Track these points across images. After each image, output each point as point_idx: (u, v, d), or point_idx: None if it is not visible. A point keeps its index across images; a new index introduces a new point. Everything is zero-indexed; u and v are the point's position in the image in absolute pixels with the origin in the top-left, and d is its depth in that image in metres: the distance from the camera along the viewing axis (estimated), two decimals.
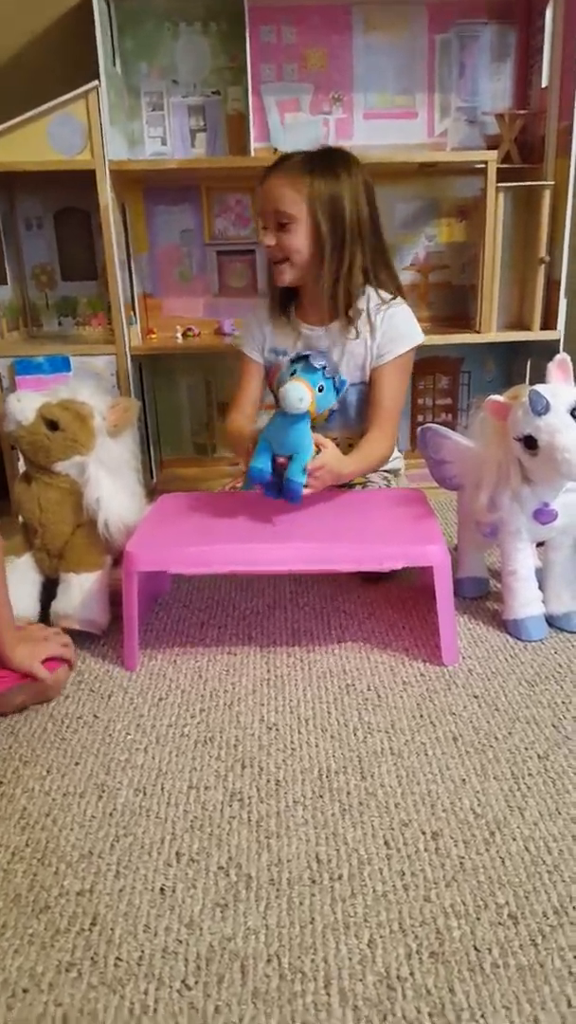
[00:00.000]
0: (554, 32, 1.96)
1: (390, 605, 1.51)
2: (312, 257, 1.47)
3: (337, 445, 1.43)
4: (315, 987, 0.74)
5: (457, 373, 2.36)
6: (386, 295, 1.55)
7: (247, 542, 1.28)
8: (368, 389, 1.59)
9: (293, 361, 1.31)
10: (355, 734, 1.11)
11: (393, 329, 1.54)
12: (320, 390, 1.27)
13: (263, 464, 1.32)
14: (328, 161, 1.46)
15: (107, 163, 1.85)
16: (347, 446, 1.53)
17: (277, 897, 0.84)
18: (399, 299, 1.57)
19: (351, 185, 1.45)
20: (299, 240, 1.45)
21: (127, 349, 1.99)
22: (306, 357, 1.27)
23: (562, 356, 1.27)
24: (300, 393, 1.24)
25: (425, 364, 2.31)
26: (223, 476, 2.26)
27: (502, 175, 1.96)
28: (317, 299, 1.54)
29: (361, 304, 1.53)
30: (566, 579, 1.38)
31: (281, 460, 1.32)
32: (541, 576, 1.39)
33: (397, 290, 1.58)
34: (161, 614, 1.50)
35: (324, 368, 1.27)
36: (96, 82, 1.79)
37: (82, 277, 2.21)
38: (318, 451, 1.33)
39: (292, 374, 1.28)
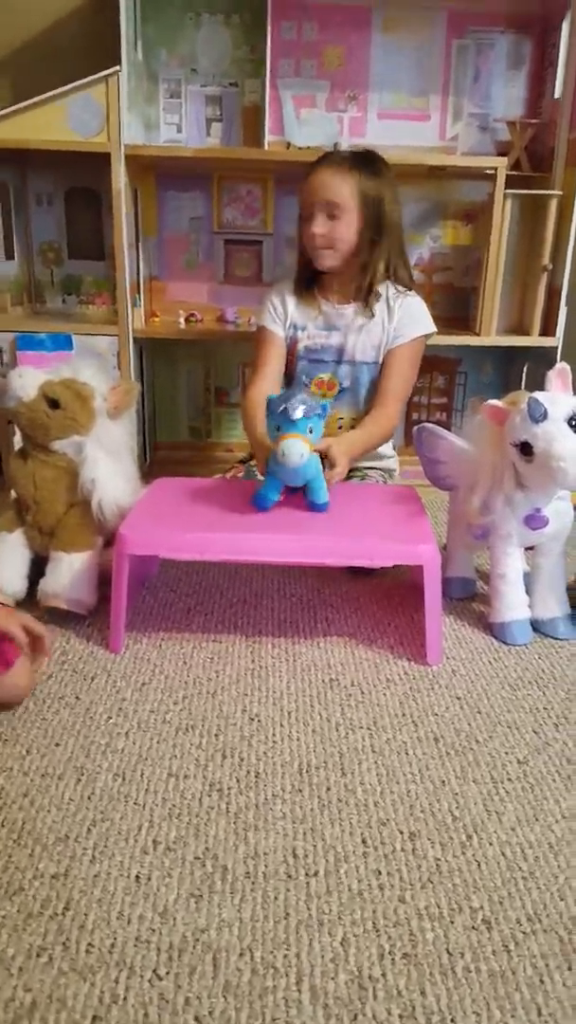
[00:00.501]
0: (569, 45, 1.96)
1: (377, 601, 1.51)
2: (352, 245, 1.58)
3: (343, 425, 1.62)
4: (287, 983, 0.74)
5: (454, 373, 2.37)
6: (402, 288, 1.65)
7: (240, 532, 1.28)
8: (379, 371, 1.66)
9: (271, 413, 1.28)
10: (337, 730, 1.11)
11: (409, 315, 1.64)
12: (310, 431, 1.26)
13: (273, 496, 1.32)
14: (371, 161, 1.59)
15: (123, 147, 1.84)
16: (352, 427, 1.63)
17: (252, 890, 0.84)
18: (414, 292, 1.67)
19: (390, 185, 1.60)
20: (346, 229, 1.56)
21: (130, 331, 1.98)
22: (284, 410, 1.24)
23: (562, 365, 1.27)
24: (299, 450, 1.24)
25: (423, 362, 2.27)
26: (216, 462, 2.26)
27: (510, 182, 1.97)
28: (343, 282, 1.65)
29: (381, 291, 1.63)
30: (553, 585, 1.39)
31: None
32: (528, 581, 1.40)
33: (411, 285, 1.68)
34: (148, 598, 1.50)
35: (304, 410, 1.24)
36: (117, 67, 1.78)
37: (89, 256, 2.20)
38: (323, 457, 1.36)
39: (278, 429, 1.26)
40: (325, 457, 1.38)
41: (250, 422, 1.58)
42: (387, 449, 1.76)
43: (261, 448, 1.48)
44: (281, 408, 1.24)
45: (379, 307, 1.63)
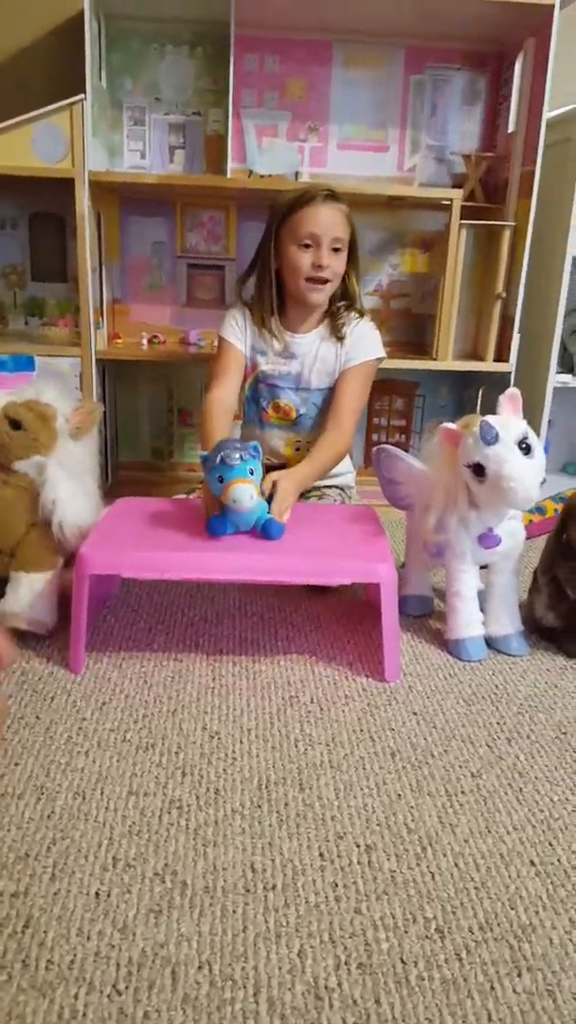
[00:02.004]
0: (522, 82, 2.04)
1: (336, 619, 1.54)
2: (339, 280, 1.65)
3: (301, 448, 1.68)
4: (244, 995, 0.75)
5: (412, 396, 2.43)
6: (354, 314, 1.70)
7: (200, 550, 1.30)
8: (333, 391, 1.69)
9: (208, 470, 1.30)
10: (296, 746, 1.13)
11: (361, 339, 1.68)
12: (251, 472, 1.28)
13: (223, 531, 1.33)
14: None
15: (86, 173, 1.87)
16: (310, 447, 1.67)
17: (211, 905, 0.85)
18: (367, 317, 1.72)
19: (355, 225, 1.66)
20: (342, 264, 1.62)
21: (92, 352, 2.00)
22: (221, 459, 1.26)
23: (513, 390, 1.32)
24: (248, 492, 1.26)
25: (382, 385, 2.37)
26: (178, 482, 2.27)
27: (466, 213, 2.03)
28: (308, 312, 1.68)
29: (346, 324, 1.68)
30: (506, 603, 1.43)
31: None
32: (483, 598, 1.44)
33: (363, 310, 1.73)
34: (109, 617, 1.51)
35: (240, 455, 1.27)
36: (82, 95, 1.81)
37: (52, 279, 2.22)
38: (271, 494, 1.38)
39: (220, 480, 1.28)
40: (273, 493, 1.39)
41: (208, 432, 1.58)
42: (343, 465, 1.78)
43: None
44: (218, 458, 1.26)
45: (332, 330, 1.67)
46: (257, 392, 1.75)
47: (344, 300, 1.69)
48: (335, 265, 1.59)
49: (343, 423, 1.64)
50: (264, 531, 1.33)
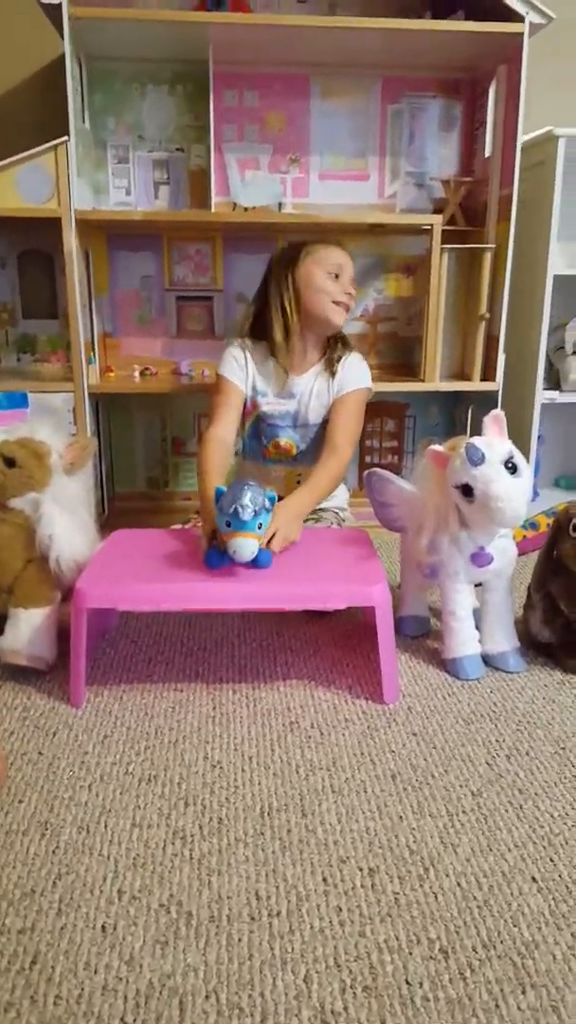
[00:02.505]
0: (496, 108, 2.08)
1: (334, 642, 1.55)
2: None
3: (301, 480, 1.70)
4: (252, 1022, 0.75)
5: (403, 417, 2.46)
6: (348, 353, 1.79)
7: (196, 581, 1.31)
8: (328, 420, 1.75)
9: (221, 508, 1.30)
10: (297, 772, 1.14)
11: (352, 371, 1.76)
12: (260, 527, 1.30)
13: (219, 565, 1.34)
14: None
15: (73, 212, 1.91)
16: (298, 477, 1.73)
17: (217, 934, 0.86)
18: (354, 350, 1.81)
19: None
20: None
21: (85, 387, 2.02)
22: (234, 511, 1.27)
23: (497, 412, 1.34)
24: (251, 548, 1.28)
25: (373, 408, 2.37)
26: (174, 511, 2.30)
27: (447, 237, 2.07)
28: (312, 347, 1.77)
29: (343, 354, 1.78)
30: (501, 620, 1.44)
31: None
32: (478, 616, 1.45)
33: (351, 347, 1.83)
34: (108, 650, 1.52)
35: (254, 510, 1.28)
36: (65, 137, 1.85)
37: (43, 315, 2.25)
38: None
39: (228, 525, 1.28)
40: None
41: (204, 470, 1.60)
42: (339, 488, 1.83)
43: (207, 506, 1.48)
44: (232, 508, 1.27)
45: (327, 366, 1.76)
46: (258, 430, 1.81)
47: (339, 341, 1.78)
48: (353, 297, 1.72)
49: (339, 449, 1.69)
50: (254, 561, 1.33)
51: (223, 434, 1.68)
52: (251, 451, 1.87)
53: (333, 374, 1.74)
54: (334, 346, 1.77)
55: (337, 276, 1.69)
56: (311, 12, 2.14)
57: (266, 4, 2.15)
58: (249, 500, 1.27)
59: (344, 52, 2.07)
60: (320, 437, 1.76)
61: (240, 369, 1.74)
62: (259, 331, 1.75)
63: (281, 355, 1.72)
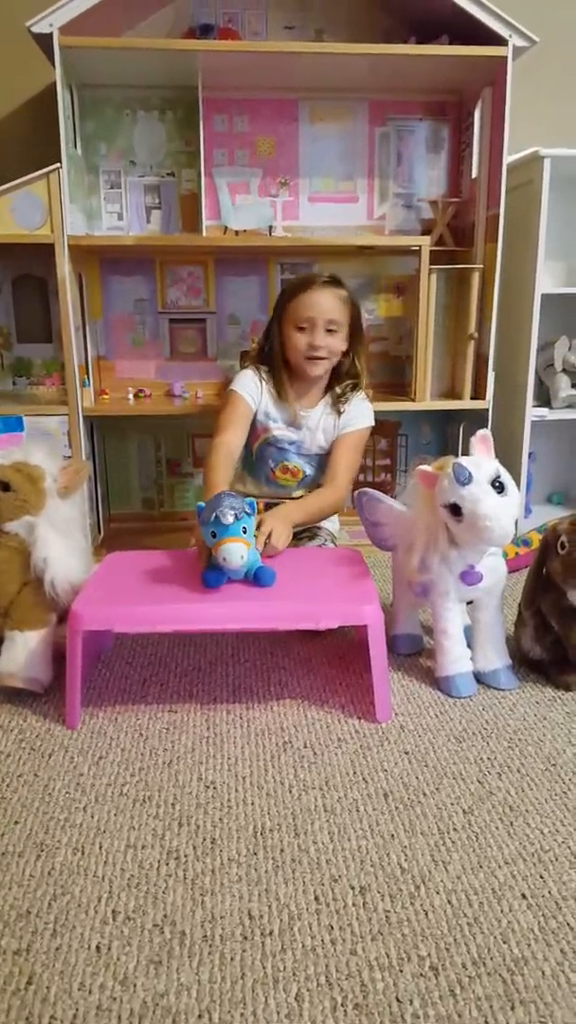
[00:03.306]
0: (482, 130, 2.12)
1: (327, 661, 1.56)
2: (339, 357, 1.81)
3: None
4: None
5: (395, 436, 2.48)
6: (356, 392, 1.86)
7: (190, 602, 1.33)
8: (330, 454, 1.83)
9: (204, 522, 1.33)
10: (290, 792, 1.15)
11: (357, 410, 1.84)
12: (244, 531, 1.32)
13: (218, 583, 1.36)
14: (343, 284, 1.80)
15: (66, 238, 1.93)
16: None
17: (210, 953, 0.87)
18: (362, 391, 1.87)
19: (359, 307, 1.84)
20: (340, 343, 1.78)
21: (79, 410, 2.05)
22: (215, 518, 1.29)
23: (484, 432, 1.36)
24: (239, 551, 1.30)
25: None
26: (170, 532, 2.31)
27: (435, 257, 2.10)
28: (315, 387, 1.85)
29: (340, 390, 1.84)
30: (493, 637, 1.46)
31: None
32: (470, 634, 1.47)
33: (367, 383, 1.90)
34: (104, 671, 1.53)
35: (235, 513, 1.31)
36: (58, 164, 1.88)
37: (37, 339, 2.28)
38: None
39: (213, 536, 1.31)
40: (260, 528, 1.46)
41: (213, 468, 1.67)
42: (331, 526, 1.90)
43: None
44: (213, 515, 1.29)
45: (334, 404, 1.83)
46: (265, 453, 1.87)
47: (349, 378, 1.84)
48: (331, 344, 1.75)
49: (339, 483, 1.77)
50: (256, 579, 1.36)
51: (231, 440, 1.75)
52: (258, 473, 1.91)
53: (339, 413, 1.82)
54: (341, 382, 1.83)
55: (305, 328, 1.74)
56: (298, 38, 2.18)
57: (254, 31, 2.19)
58: (228, 506, 1.30)
59: (331, 77, 2.11)
60: (322, 464, 1.85)
61: (255, 389, 1.81)
62: (269, 362, 1.84)
63: (285, 391, 1.81)
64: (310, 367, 1.77)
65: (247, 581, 1.37)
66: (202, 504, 1.35)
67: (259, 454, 1.88)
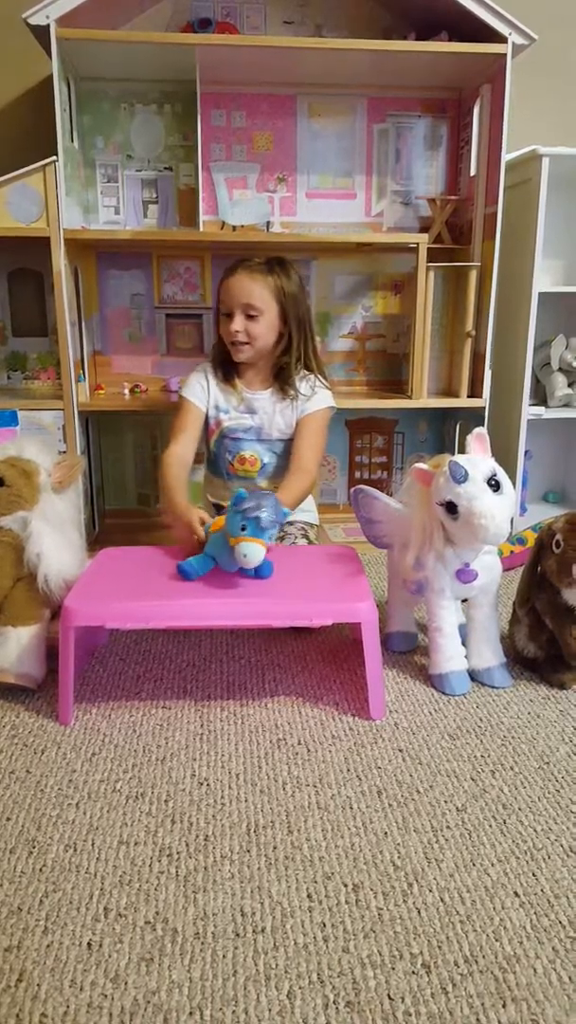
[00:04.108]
0: (481, 127, 2.12)
1: (322, 658, 1.56)
2: (269, 342, 1.77)
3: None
4: None
5: (392, 433, 2.48)
6: (304, 372, 1.83)
7: (184, 598, 1.33)
8: (293, 439, 1.81)
9: (238, 512, 1.31)
10: (284, 789, 1.15)
11: (313, 392, 1.82)
12: (270, 537, 1.32)
13: (201, 570, 1.37)
14: (283, 266, 1.76)
15: (62, 232, 1.93)
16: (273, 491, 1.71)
17: (201, 951, 0.87)
18: (315, 376, 1.84)
19: (300, 287, 1.79)
20: (263, 328, 1.74)
21: (75, 404, 2.04)
22: (257, 519, 1.29)
23: (480, 430, 1.36)
24: (260, 554, 1.30)
25: (362, 424, 2.42)
26: (164, 528, 2.29)
27: (433, 255, 2.10)
28: (260, 371, 1.83)
29: (296, 381, 1.81)
30: (487, 635, 1.46)
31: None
32: (464, 632, 1.47)
33: (321, 373, 1.86)
34: (97, 667, 1.53)
35: (274, 522, 1.30)
36: (54, 157, 1.87)
37: (33, 333, 2.27)
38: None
39: (243, 528, 1.29)
40: None
41: (168, 485, 1.68)
42: (308, 504, 1.88)
43: (180, 511, 1.56)
44: (254, 515, 1.28)
45: (283, 389, 1.81)
46: (222, 447, 1.86)
47: (291, 361, 1.80)
48: (251, 329, 1.73)
49: (306, 465, 1.75)
50: (256, 571, 1.37)
51: (182, 451, 1.77)
52: (217, 469, 1.92)
53: (287, 396, 1.80)
54: (284, 369, 1.80)
55: (228, 314, 1.73)
56: (298, 34, 2.17)
57: (253, 25, 2.18)
58: (271, 510, 1.30)
59: (330, 73, 2.10)
60: (283, 452, 1.83)
61: (202, 391, 1.82)
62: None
63: (231, 376, 1.82)
64: (233, 352, 1.77)
65: (241, 573, 1.37)
66: (244, 493, 1.33)
67: (216, 450, 1.88)
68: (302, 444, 1.78)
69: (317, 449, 1.80)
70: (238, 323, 1.72)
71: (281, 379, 1.81)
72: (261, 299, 1.71)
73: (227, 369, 1.83)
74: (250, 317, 1.72)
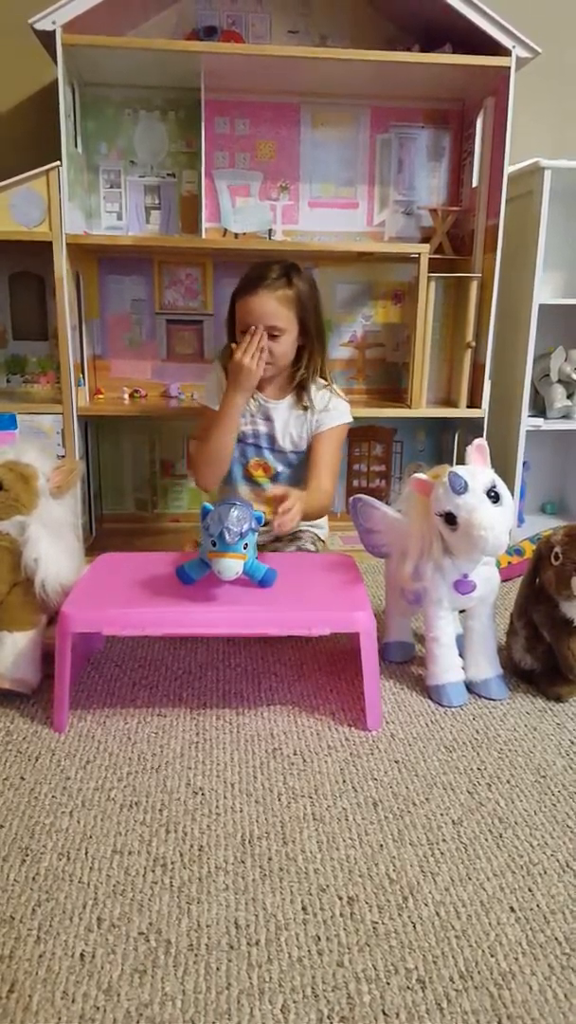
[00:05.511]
0: (483, 138, 2.12)
1: (319, 667, 1.56)
2: (290, 359, 1.74)
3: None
4: None
5: (391, 442, 2.48)
6: (321, 381, 1.79)
7: (181, 605, 1.32)
8: (308, 454, 1.78)
9: (206, 526, 1.31)
10: (279, 799, 1.14)
11: (333, 407, 1.78)
12: (245, 547, 1.31)
13: (196, 576, 1.37)
14: (297, 272, 1.70)
15: (64, 236, 1.93)
16: None
17: (195, 963, 0.86)
18: (335, 387, 1.81)
19: (313, 289, 1.74)
20: (285, 347, 1.70)
21: (74, 409, 2.04)
22: (220, 534, 1.27)
23: (480, 441, 1.36)
24: (236, 568, 1.29)
25: (361, 432, 2.42)
26: (163, 532, 2.30)
27: (434, 265, 2.10)
28: (279, 381, 1.78)
29: (313, 392, 1.77)
30: (485, 646, 1.45)
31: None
32: (462, 643, 1.46)
33: (328, 377, 1.82)
34: (93, 673, 1.52)
35: (239, 532, 1.28)
36: (57, 162, 1.88)
37: (33, 337, 2.26)
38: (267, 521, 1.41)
39: (213, 545, 1.29)
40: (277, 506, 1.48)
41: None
42: (320, 531, 1.87)
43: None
44: (218, 531, 1.27)
45: (299, 400, 1.78)
46: (237, 452, 1.82)
47: (308, 372, 1.76)
48: (275, 349, 1.68)
49: (323, 483, 1.72)
50: (260, 580, 1.37)
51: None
52: (234, 474, 1.87)
53: (305, 409, 1.76)
54: (303, 381, 1.76)
55: (248, 331, 1.66)
56: (302, 43, 2.18)
57: (258, 34, 2.19)
58: (235, 522, 1.28)
59: (334, 82, 2.11)
60: (296, 464, 1.81)
61: (221, 392, 1.74)
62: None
63: None
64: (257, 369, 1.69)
65: (243, 580, 1.36)
66: (209, 506, 1.33)
67: (234, 455, 1.82)
68: (319, 460, 1.75)
69: (333, 466, 1.78)
70: (261, 339, 1.66)
71: (299, 388, 1.77)
72: (285, 319, 1.67)
73: None
74: (273, 337, 1.67)
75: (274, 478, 1.83)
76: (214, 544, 1.29)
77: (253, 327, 1.65)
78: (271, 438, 1.80)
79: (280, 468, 1.83)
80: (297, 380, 1.77)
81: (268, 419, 1.79)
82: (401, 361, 2.35)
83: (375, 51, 1.99)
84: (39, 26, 1.83)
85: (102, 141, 2.19)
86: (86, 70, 2.04)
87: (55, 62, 1.88)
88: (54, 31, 1.84)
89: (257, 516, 1.34)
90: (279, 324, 1.66)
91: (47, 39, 1.87)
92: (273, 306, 1.65)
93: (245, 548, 1.31)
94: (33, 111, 2.19)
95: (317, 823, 1.09)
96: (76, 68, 2.00)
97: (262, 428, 1.80)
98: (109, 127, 2.18)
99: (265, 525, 1.43)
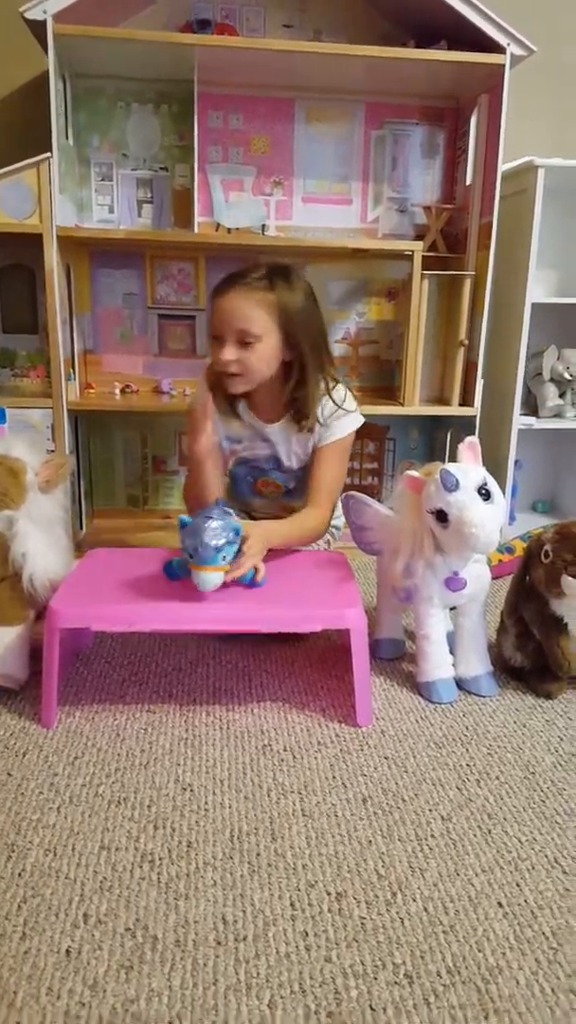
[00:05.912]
0: (478, 136, 2.12)
1: (310, 664, 1.55)
2: (266, 372, 1.51)
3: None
4: None
5: (383, 440, 2.47)
6: (338, 397, 1.58)
7: (170, 601, 1.31)
8: (309, 468, 1.63)
9: (185, 537, 1.27)
10: (269, 795, 1.14)
11: (339, 424, 1.59)
12: (223, 558, 1.28)
13: (183, 574, 1.34)
14: (285, 278, 1.49)
15: (55, 229, 1.91)
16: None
17: (182, 959, 0.85)
18: (341, 387, 1.61)
19: (306, 299, 1.51)
20: (260, 357, 1.48)
21: (64, 403, 2.02)
22: (196, 547, 1.25)
23: (472, 439, 1.36)
24: (214, 581, 1.28)
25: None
26: (154, 528, 2.29)
27: (428, 263, 2.10)
28: (268, 401, 1.59)
29: (317, 411, 1.56)
30: (475, 644, 1.45)
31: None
32: (452, 640, 1.46)
33: (338, 380, 1.61)
34: (82, 669, 1.51)
35: (216, 546, 1.26)
36: (48, 154, 1.86)
37: (23, 330, 2.24)
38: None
39: (191, 556, 1.27)
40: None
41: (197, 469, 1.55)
42: (335, 521, 1.74)
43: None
44: (196, 545, 1.25)
45: (297, 421, 1.58)
46: (240, 473, 1.72)
47: (307, 392, 1.54)
48: (246, 359, 1.47)
49: (320, 504, 1.58)
50: (250, 582, 1.35)
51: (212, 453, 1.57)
52: (241, 491, 1.76)
53: (304, 429, 1.58)
54: (300, 399, 1.55)
55: (222, 339, 1.47)
56: (297, 37, 2.17)
57: (252, 28, 2.18)
58: (211, 538, 1.26)
59: (328, 78, 2.10)
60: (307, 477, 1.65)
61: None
62: None
63: (229, 408, 1.59)
64: (226, 383, 1.51)
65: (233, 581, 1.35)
66: (187, 519, 1.31)
67: (234, 476, 1.72)
68: (318, 478, 1.58)
69: (332, 486, 1.60)
70: (230, 352, 1.46)
71: (295, 410, 1.57)
72: (259, 323, 1.45)
73: (231, 399, 1.58)
74: (245, 344, 1.46)
75: (286, 493, 1.72)
76: (191, 556, 1.28)
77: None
78: (275, 460, 1.65)
79: (292, 485, 1.69)
80: (288, 399, 1.56)
81: (266, 440, 1.63)
82: (394, 359, 2.35)
83: (370, 47, 1.98)
84: (30, 15, 1.82)
85: (94, 133, 2.17)
86: (78, 61, 2.03)
87: (46, 53, 1.87)
88: (45, 21, 1.82)
89: (235, 528, 1.31)
90: (251, 329, 1.44)
91: (38, 29, 1.85)
92: (245, 308, 1.44)
93: (224, 559, 1.29)
94: (24, 102, 2.18)
95: (306, 819, 1.09)
96: (68, 59, 1.98)
97: (263, 451, 1.65)
98: (101, 119, 2.17)
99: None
